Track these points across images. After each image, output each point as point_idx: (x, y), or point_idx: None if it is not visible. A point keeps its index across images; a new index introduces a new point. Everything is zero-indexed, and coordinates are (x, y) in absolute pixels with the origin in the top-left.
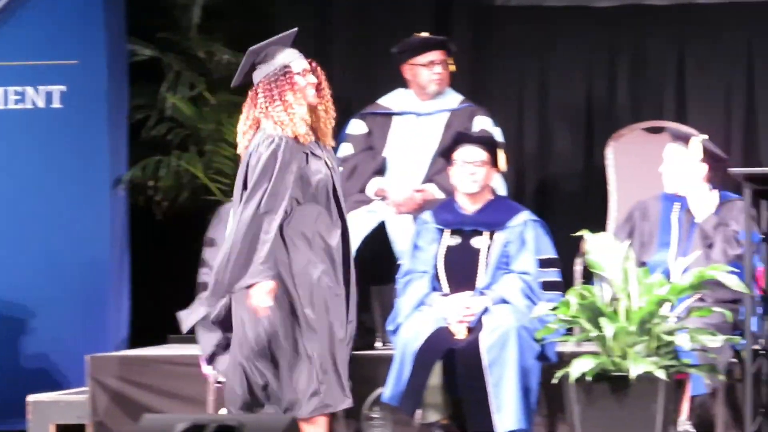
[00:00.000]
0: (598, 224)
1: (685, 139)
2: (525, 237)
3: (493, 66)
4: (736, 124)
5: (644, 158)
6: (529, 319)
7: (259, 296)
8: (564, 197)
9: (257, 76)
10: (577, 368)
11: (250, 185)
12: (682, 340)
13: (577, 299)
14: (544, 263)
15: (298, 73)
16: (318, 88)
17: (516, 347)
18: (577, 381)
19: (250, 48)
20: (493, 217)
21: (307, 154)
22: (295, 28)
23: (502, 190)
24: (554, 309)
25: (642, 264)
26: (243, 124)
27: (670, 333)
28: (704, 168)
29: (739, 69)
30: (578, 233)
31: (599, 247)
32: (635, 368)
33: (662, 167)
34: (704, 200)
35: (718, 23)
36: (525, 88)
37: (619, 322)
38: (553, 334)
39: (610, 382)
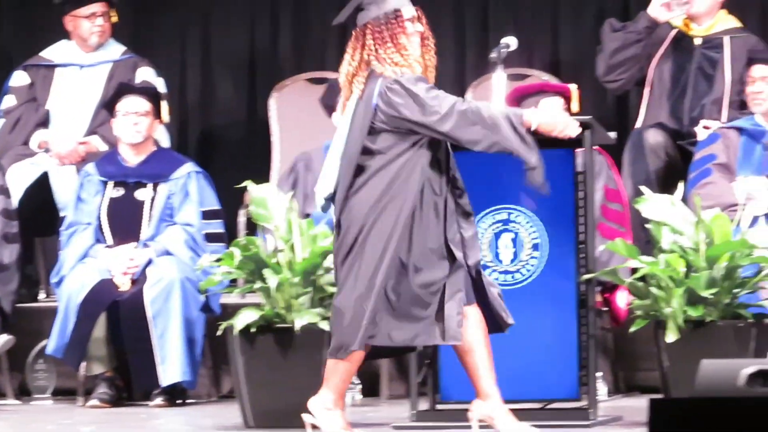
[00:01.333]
0: (262, 176)
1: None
2: (188, 189)
3: (156, 16)
4: None
5: (307, 109)
6: (193, 270)
7: None
8: (228, 148)
9: (364, 17)
10: (241, 320)
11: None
12: None
13: (241, 251)
14: (207, 215)
15: (409, 19)
16: (423, 37)
17: (180, 299)
18: (241, 333)
19: None
20: (156, 168)
21: None
22: None
23: (165, 141)
24: (218, 261)
25: (306, 215)
26: (349, 65)
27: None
28: None
29: None
30: (242, 185)
31: (262, 199)
32: (300, 320)
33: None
34: None
35: None
36: (188, 38)
37: (282, 274)
38: (217, 286)
39: (274, 334)
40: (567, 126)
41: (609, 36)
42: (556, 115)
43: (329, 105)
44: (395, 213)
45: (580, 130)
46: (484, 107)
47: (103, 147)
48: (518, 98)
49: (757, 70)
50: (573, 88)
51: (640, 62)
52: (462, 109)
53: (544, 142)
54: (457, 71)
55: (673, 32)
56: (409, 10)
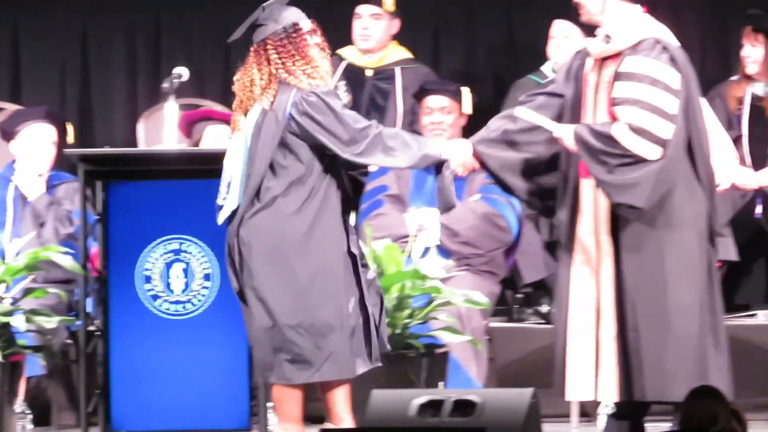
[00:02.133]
0: None
1: None
2: None
3: None
4: (71, 105)
5: None
6: None
7: None
8: None
9: (261, 33)
10: None
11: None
12: (18, 322)
13: None
14: None
15: (307, 32)
16: (321, 49)
17: None
18: None
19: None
20: None
21: None
22: None
23: None
24: None
25: None
26: (258, 80)
27: (7, 314)
28: None
29: (74, 49)
30: None
31: None
32: None
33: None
34: (35, 180)
35: (53, 2)
36: None
37: None
38: None
39: None
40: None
41: None
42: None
43: (7, 131)
44: (326, 234)
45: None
46: (392, 131)
47: None
48: (186, 125)
49: (434, 100)
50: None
51: None
52: (377, 133)
53: (216, 172)
54: (129, 100)
55: (344, 64)
56: (306, 23)
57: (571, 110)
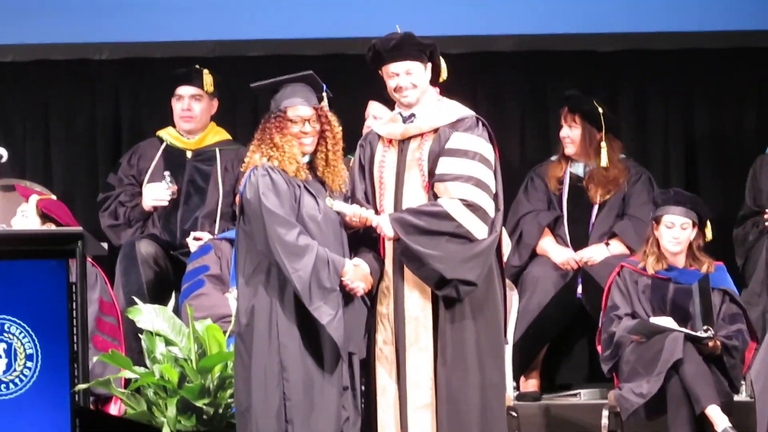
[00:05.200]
0: None
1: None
2: None
3: None
4: None
5: None
6: None
7: None
8: None
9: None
10: None
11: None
12: None
13: None
14: None
15: (292, 120)
16: (322, 136)
17: None
18: None
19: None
20: None
21: (300, 188)
22: (310, 71)
23: None
24: None
25: None
26: (250, 156)
27: None
28: None
29: None
30: None
31: None
32: None
33: None
34: None
35: None
36: None
37: None
38: None
39: None
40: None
41: None
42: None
43: None
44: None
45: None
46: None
47: None
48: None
49: None
50: None
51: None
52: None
53: (37, 252)
54: None
55: (163, 146)
56: (298, 111)
57: (372, 196)
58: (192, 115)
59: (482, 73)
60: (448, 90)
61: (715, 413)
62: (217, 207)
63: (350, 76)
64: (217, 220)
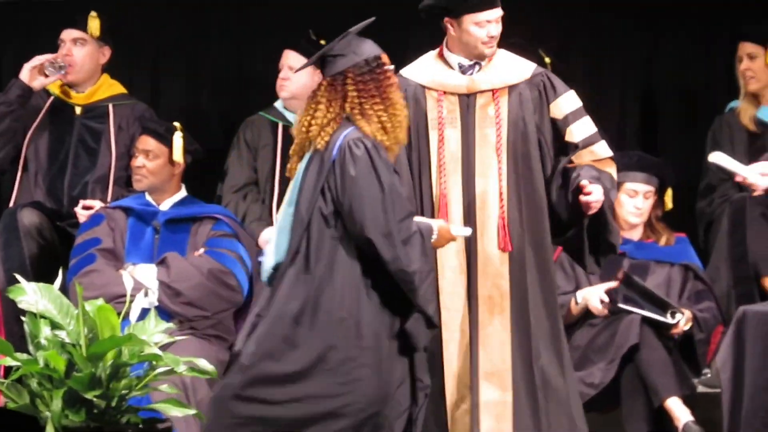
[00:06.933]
0: None
1: None
2: None
3: None
4: None
5: None
6: None
7: None
8: None
9: (339, 65)
10: None
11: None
12: None
13: None
14: None
15: (390, 70)
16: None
17: None
18: None
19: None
20: None
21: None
22: (373, 17)
23: None
24: None
25: None
26: (324, 116)
27: None
28: None
29: None
30: None
31: None
32: None
33: None
34: None
35: None
36: None
37: None
38: None
39: None
40: None
41: None
42: None
43: None
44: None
45: None
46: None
47: None
48: None
49: (143, 142)
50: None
51: (16, 137)
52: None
53: None
54: None
55: (50, 100)
56: (386, 58)
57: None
58: (72, 62)
59: None
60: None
61: (675, 406)
62: (109, 171)
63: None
64: (110, 186)
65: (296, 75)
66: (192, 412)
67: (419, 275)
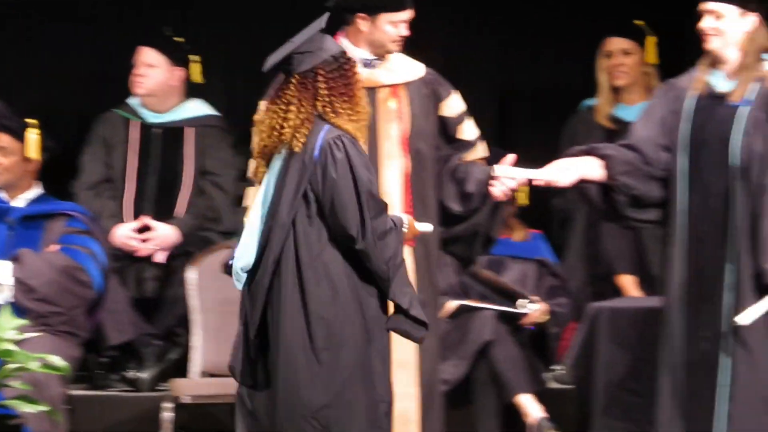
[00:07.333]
0: None
1: None
2: None
3: None
4: None
5: None
6: None
7: None
8: None
9: (308, 61)
10: None
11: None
12: None
13: None
14: None
15: (356, 64)
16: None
17: None
18: None
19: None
20: None
21: None
22: (327, 13)
23: None
24: None
25: None
26: (295, 117)
27: None
28: None
29: None
30: None
31: None
32: None
33: None
34: None
35: None
36: None
37: None
38: None
39: None
40: None
41: None
42: None
43: None
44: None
45: None
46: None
47: None
48: None
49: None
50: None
51: None
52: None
53: None
54: None
55: None
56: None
57: None
58: None
59: None
60: None
61: (526, 402)
62: None
63: None
64: None
65: (153, 71)
66: (44, 408)
67: (392, 269)
